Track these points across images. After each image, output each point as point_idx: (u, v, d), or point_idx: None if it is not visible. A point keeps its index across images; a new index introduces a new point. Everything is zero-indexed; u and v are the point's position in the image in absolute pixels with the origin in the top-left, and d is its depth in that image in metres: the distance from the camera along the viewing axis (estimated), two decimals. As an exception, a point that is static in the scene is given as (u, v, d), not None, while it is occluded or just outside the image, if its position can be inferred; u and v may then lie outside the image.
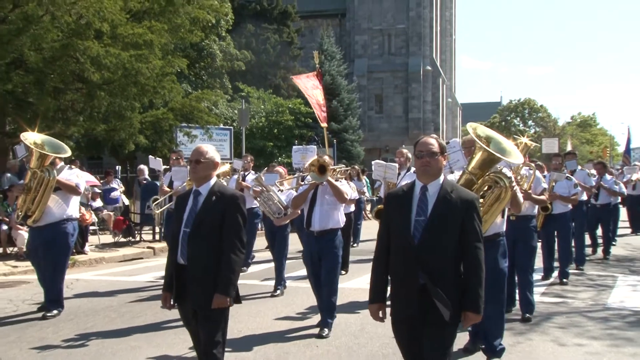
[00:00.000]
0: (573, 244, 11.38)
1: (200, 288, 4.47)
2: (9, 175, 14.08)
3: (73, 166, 8.64)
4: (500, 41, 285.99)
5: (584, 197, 11.93)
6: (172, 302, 4.67)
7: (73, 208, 8.27)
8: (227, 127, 23.91)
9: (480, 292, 3.93)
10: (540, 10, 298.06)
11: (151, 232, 16.36)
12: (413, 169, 8.63)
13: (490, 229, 5.71)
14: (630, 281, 10.67)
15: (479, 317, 3.98)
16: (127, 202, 17.45)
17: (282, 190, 9.15)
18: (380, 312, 4.13)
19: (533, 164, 7.99)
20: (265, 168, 10.96)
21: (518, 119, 70.99)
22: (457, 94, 74.31)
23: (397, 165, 9.11)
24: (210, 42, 28.77)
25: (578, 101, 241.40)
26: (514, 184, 5.71)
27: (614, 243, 14.61)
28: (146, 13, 15.94)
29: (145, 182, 16.44)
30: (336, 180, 7.42)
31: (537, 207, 8.06)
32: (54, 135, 15.25)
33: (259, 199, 9.42)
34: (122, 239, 15.45)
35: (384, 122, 56.76)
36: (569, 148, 23.28)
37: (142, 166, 16.98)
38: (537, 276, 9.88)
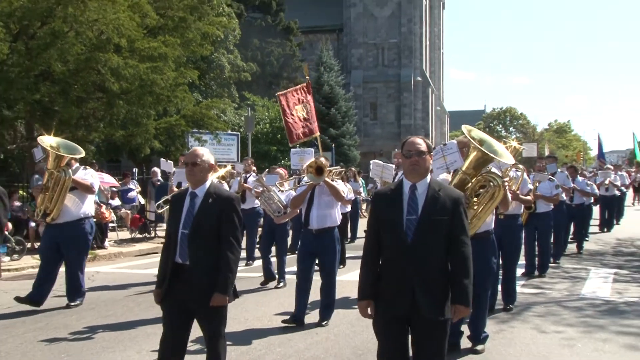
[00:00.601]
0: (552, 240, 11.32)
1: (201, 287, 4.28)
2: (37, 176, 14.10)
3: (88, 167, 8.49)
4: (485, 54, 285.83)
5: (564, 197, 11.90)
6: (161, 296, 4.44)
7: (89, 206, 8.15)
8: (234, 132, 23.90)
9: (469, 286, 3.74)
10: (521, 26, 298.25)
11: (165, 229, 16.34)
12: None
13: (482, 226, 5.62)
14: (601, 273, 10.70)
15: (468, 311, 3.83)
16: (142, 201, 17.45)
17: (282, 191, 9.04)
18: (369, 308, 3.85)
19: (521, 166, 7.95)
20: (267, 170, 10.86)
21: (500, 125, 71.02)
22: (445, 103, 74.25)
23: (393, 166, 9.02)
24: (219, 55, 28.75)
25: (554, 109, 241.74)
26: (506, 183, 5.63)
27: (587, 239, 14.63)
28: (161, 29, 15.97)
29: (158, 183, 16.45)
30: (333, 181, 7.27)
31: (522, 206, 7.98)
32: (76, 140, 15.38)
33: (260, 198, 9.28)
34: (139, 235, 15.49)
35: (378, 128, 56.79)
36: (546, 152, 23.21)
37: (155, 169, 16.98)
38: (519, 271, 9.91)
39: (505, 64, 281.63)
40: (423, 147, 3.84)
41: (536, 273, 10.26)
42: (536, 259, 10.34)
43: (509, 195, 5.84)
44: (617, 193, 18.55)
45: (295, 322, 6.95)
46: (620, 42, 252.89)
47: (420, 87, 58.14)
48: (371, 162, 9.58)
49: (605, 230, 17.64)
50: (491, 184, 5.36)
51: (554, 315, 7.58)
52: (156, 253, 13.73)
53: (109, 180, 15.57)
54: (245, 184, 10.86)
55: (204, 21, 17.10)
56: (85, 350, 6.05)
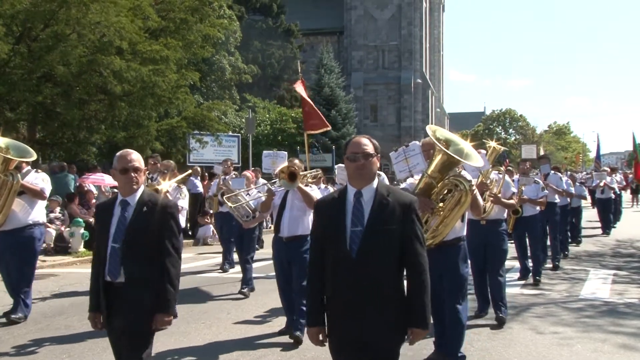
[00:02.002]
0: (549, 243, 11.23)
1: (136, 306, 3.73)
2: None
3: (39, 170, 7.74)
4: (484, 56, 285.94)
5: (557, 199, 11.60)
6: (102, 322, 3.90)
7: (39, 212, 7.49)
8: (235, 134, 23.93)
9: (427, 304, 3.28)
10: (521, 28, 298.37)
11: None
12: (377, 172, 8.14)
13: (451, 233, 5.16)
14: (600, 275, 10.69)
15: (426, 332, 3.35)
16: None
17: (249, 194, 8.69)
18: (321, 335, 3.39)
19: (502, 168, 7.46)
20: (233, 172, 10.52)
21: (500, 127, 70.96)
22: (444, 105, 74.32)
23: None
24: (220, 57, 28.80)
25: (554, 111, 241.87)
26: (474, 187, 5.13)
27: (574, 244, 14.40)
28: (162, 31, 15.99)
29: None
30: (306, 186, 6.68)
31: (506, 210, 7.48)
32: (78, 141, 15.42)
33: (227, 202, 8.76)
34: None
35: (378, 130, 56.79)
36: (541, 153, 22.95)
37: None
38: (514, 275, 9.92)
39: (505, 66, 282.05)
40: (370, 148, 3.38)
41: (531, 280, 9.73)
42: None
43: (480, 200, 5.43)
44: (613, 195, 18.21)
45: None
46: (620, 43, 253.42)
47: (420, 89, 58.24)
48: (336, 167, 8.85)
49: (607, 232, 17.29)
50: (458, 188, 4.91)
51: (553, 316, 7.57)
52: (157, 254, 13.73)
53: (110, 181, 15.58)
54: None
55: (205, 23, 17.12)
56: (86, 351, 6.05)
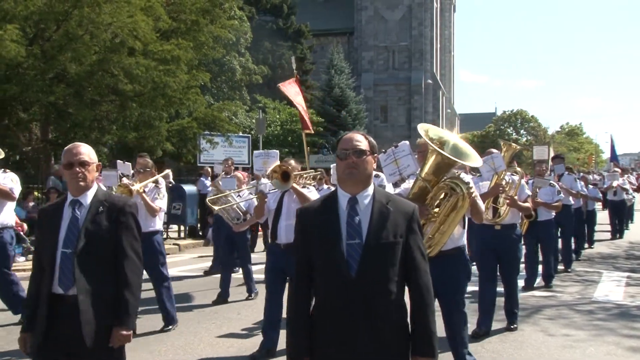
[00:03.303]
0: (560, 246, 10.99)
1: (91, 321, 3.24)
2: (53, 178, 14.23)
3: (7, 170, 7.21)
4: (496, 57, 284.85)
5: (571, 201, 11.26)
6: (35, 344, 3.31)
7: (8, 215, 6.97)
8: (245, 134, 23.98)
9: (433, 329, 2.83)
10: (532, 28, 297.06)
11: (177, 230, 16.44)
12: (375, 172, 7.39)
13: (449, 242, 4.69)
14: (614, 277, 10.62)
15: None
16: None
17: (240, 196, 8.24)
18: None
19: (519, 169, 7.16)
20: (223, 173, 10.06)
21: (511, 128, 70.59)
22: (455, 105, 74.12)
23: None
24: (230, 58, 28.88)
25: (566, 112, 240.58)
26: (473, 190, 4.64)
27: (591, 246, 14.26)
28: (174, 32, 16.07)
29: (170, 184, 16.52)
30: (303, 187, 6.22)
31: (520, 214, 7.01)
32: (89, 141, 15.51)
33: (211, 205, 8.43)
34: (151, 236, 15.53)
35: (389, 130, 56.76)
36: (551, 154, 22.56)
37: (168, 170, 17.03)
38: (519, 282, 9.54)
39: (517, 67, 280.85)
40: (364, 145, 2.87)
41: (542, 284, 9.50)
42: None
43: (481, 205, 4.91)
44: (626, 197, 17.45)
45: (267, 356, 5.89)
46: (633, 43, 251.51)
47: (430, 90, 58.15)
48: (331, 166, 8.40)
49: (618, 236, 16.88)
50: (455, 191, 4.46)
51: (565, 318, 7.54)
52: (168, 254, 13.77)
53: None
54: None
55: (216, 24, 17.18)
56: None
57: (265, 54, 39.94)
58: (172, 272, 11.00)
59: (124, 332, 3.34)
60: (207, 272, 10.82)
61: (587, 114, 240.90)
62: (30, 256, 11.76)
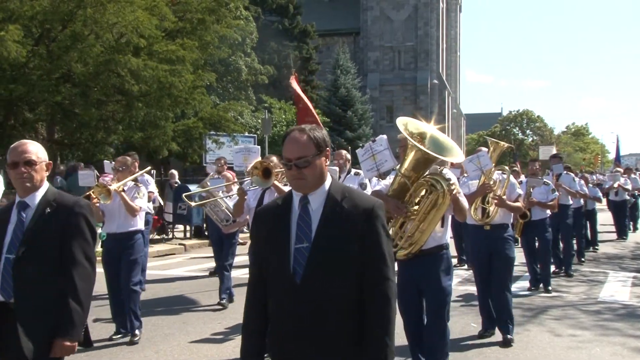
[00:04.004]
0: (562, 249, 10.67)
1: (35, 330, 3.01)
2: (59, 178, 14.29)
3: None
4: (502, 57, 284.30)
5: (570, 201, 10.83)
6: None
7: None
8: (251, 134, 24.01)
9: (388, 342, 2.51)
10: (538, 29, 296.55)
11: (182, 230, 16.47)
12: (355, 170, 7.51)
13: (430, 240, 4.47)
14: (620, 277, 10.56)
15: None
16: (162, 202, 17.57)
17: (230, 197, 7.88)
18: None
19: (507, 168, 6.82)
20: (211, 173, 9.82)
21: (517, 128, 70.46)
22: (461, 105, 73.93)
23: (336, 168, 7.20)
24: (236, 58, 28.91)
25: (571, 112, 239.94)
26: (454, 187, 4.39)
27: (595, 248, 13.87)
28: (179, 32, 16.09)
29: (176, 184, 16.56)
30: (285, 185, 5.88)
31: (512, 214, 6.74)
32: (95, 141, 15.55)
33: (205, 206, 8.25)
34: (157, 236, 15.58)
35: (395, 131, 55.96)
36: (553, 151, 21.65)
37: (173, 170, 17.07)
38: (524, 284, 9.34)
39: (522, 67, 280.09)
40: (308, 148, 2.56)
41: (537, 295, 8.97)
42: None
43: (464, 202, 4.58)
44: (628, 197, 16.94)
45: None
46: (638, 43, 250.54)
47: (436, 90, 58.03)
48: None
49: (624, 237, 16.40)
50: (435, 188, 4.25)
51: (570, 318, 7.50)
52: (174, 254, 13.84)
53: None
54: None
55: (222, 24, 17.20)
56: (103, 350, 6.10)
57: (271, 54, 39.95)
58: (177, 272, 11.06)
59: (68, 343, 3.05)
60: (213, 273, 10.82)
61: (593, 114, 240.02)
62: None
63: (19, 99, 12.97)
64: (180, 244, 14.86)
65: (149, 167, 8.60)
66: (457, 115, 69.61)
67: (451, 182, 4.33)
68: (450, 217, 4.68)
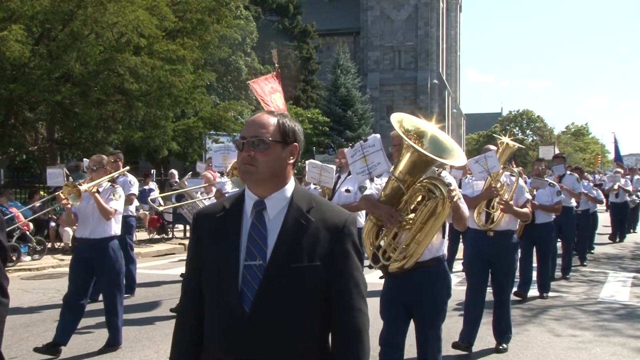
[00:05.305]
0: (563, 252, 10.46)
1: None
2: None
3: None
4: (502, 57, 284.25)
5: (573, 203, 10.47)
6: None
7: None
8: (251, 134, 24.03)
9: None
10: (538, 29, 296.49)
11: (182, 230, 16.46)
12: None
13: (426, 253, 3.93)
14: (620, 277, 10.56)
15: None
16: (162, 202, 17.55)
17: (210, 198, 7.55)
18: None
19: (516, 169, 6.44)
20: (190, 172, 9.74)
21: (517, 128, 70.45)
22: (461, 105, 73.92)
23: (334, 167, 6.77)
24: (236, 57, 28.92)
25: (572, 112, 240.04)
26: (455, 193, 3.86)
27: (592, 251, 13.37)
28: (179, 31, 16.12)
29: (176, 184, 16.55)
30: None
31: (518, 220, 6.14)
32: (95, 141, 15.58)
33: (182, 208, 7.87)
34: (156, 236, 15.57)
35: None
36: (554, 151, 20.77)
37: (173, 170, 17.06)
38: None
39: (523, 67, 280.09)
40: (270, 130, 2.07)
41: (537, 294, 8.65)
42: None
43: (464, 210, 4.07)
44: (629, 199, 16.29)
45: None
46: (637, 42, 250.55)
47: (436, 90, 58.02)
48: (307, 162, 7.44)
49: (618, 240, 16.03)
50: (433, 194, 3.75)
51: (571, 318, 7.49)
52: (174, 254, 13.83)
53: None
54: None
55: (222, 24, 17.22)
56: (103, 353, 6.08)
57: (271, 54, 39.93)
58: (177, 272, 11.03)
59: None
60: None
61: (594, 114, 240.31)
62: (37, 256, 11.79)
63: (19, 98, 12.99)
64: (180, 244, 14.84)
65: (127, 167, 8.23)
66: (457, 115, 69.60)
67: (451, 187, 3.82)
68: (448, 225, 4.15)
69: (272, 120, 2.08)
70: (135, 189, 8.83)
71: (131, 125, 15.34)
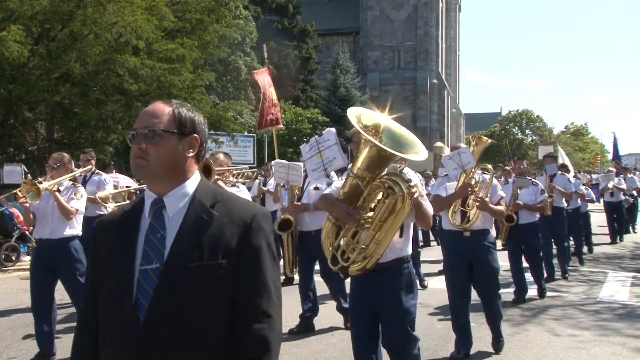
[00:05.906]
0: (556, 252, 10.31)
1: None
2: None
3: None
4: (501, 57, 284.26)
5: (564, 203, 10.30)
6: None
7: None
8: (251, 134, 24.02)
9: None
10: (538, 29, 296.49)
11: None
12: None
13: (389, 253, 3.78)
14: (619, 277, 10.55)
15: None
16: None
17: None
18: None
19: (491, 167, 6.30)
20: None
21: (517, 128, 70.49)
22: (460, 105, 73.97)
23: (301, 164, 6.48)
24: (236, 57, 28.95)
25: (571, 112, 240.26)
26: (416, 189, 3.67)
27: (588, 252, 13.22)
28: (179, 31, 16.13)
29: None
30: (232, 186, 5.56)
31: (493, 218, 5.94)
32: (95, 141, 15.58)
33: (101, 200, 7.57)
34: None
35: (394, 130, 56.67)
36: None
37: (89, 166, 17.03)
38: (509, 290, 8.45)
39: (522, 67, 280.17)
40: (163, 120, 1.91)
41: (536, 296, 8.56)
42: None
43: (427, 207, 3.89)
44: (623, 198, 16.06)
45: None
46: (637, 42, 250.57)
47: (436, 90, 58.06)
48: (273, 162, 7.25)
49: (618, 240, 15.83)
50: (393, 191, 3.56)
51: (570, 318, 7.50)
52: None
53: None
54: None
55: (222, 23, 17.22)
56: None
57: (270, 54, 39.91)
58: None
59: None
60: None
61: (593, 114, 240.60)
62: (36, 255, 11.76)
63: (18, 98, 12.99)
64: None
65: (89, 167, 7.98)
66: (457, 115, 69.66)
67: (412, 183, 3.65)
68: (412, 225, 4.04)
69: (167, 110, 1.92)
70: (110, 188, 8.52)
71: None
